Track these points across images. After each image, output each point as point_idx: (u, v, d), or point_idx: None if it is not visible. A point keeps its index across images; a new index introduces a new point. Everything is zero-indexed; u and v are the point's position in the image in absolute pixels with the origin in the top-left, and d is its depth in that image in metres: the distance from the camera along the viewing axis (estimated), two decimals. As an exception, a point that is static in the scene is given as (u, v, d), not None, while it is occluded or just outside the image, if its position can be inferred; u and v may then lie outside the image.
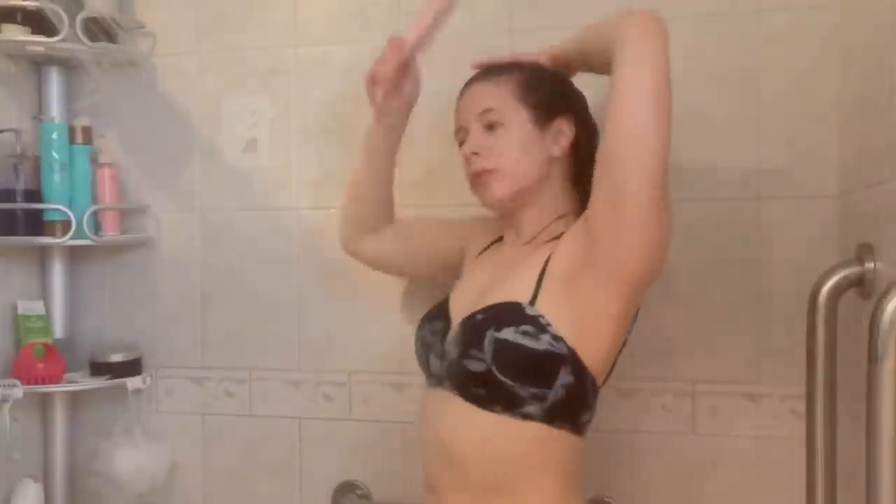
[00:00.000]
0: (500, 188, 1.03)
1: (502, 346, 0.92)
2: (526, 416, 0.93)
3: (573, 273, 0.94)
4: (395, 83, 1.16)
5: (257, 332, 1.51)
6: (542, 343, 0.92)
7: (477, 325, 0.96)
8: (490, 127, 1.04)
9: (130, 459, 1.46)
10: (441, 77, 1.42)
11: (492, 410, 0.93)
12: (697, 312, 1.30)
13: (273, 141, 1.50)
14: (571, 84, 1.10)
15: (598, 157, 0.91)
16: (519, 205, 1.06)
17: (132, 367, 1.49)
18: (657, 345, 1.31)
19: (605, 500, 1.32)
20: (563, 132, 1.05)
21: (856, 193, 1.13)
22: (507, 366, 0.92)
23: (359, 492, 1.45)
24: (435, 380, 1.04)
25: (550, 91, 1.06)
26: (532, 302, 0.94)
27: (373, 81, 1.17)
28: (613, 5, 1.33)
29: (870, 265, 1.00)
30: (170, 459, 1.52)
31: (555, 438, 0.94)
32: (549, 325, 0.92)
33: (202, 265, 1.54)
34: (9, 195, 1.43)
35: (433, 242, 1.28)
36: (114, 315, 1.57)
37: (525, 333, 0.92)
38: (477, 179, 1.05)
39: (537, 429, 0.93)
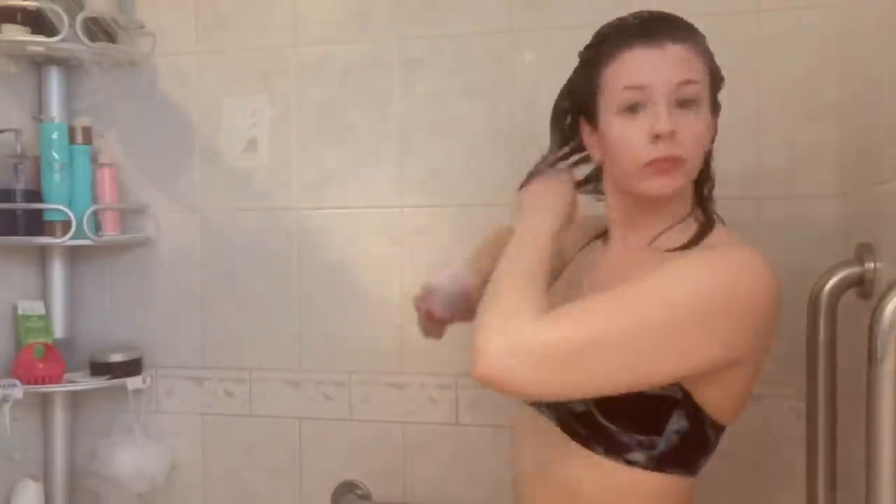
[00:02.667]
0: (679, 181, 0.85)
1: None
2: (631, 463, 0.82)
3: None
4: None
5: (257, 332, 1.51)
6: (654, 387, 0.80)
7: None
8: (684, 104, 0.83)
9: (130, 459, 1.46)
10: (441, 77, 1.42)
11: (592, 450, 0.84)
12: (697, 312, 1.30)
13: (273, 141, 1.50)
14: None
15: None
16: (661, 199, 0.88)
17: (132, 367, 1.49)
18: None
19: None
20: (715, 126, 0.90)
21: (856, 193, 1.13)
22: (609, 410, 0.82)
23: (359, 492, 1.45)
24: (537, 404, 0.92)
25: (720, 73, 0.89)
26: None
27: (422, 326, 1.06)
28: (613, 5, 1.33)
29: (870, 265, 1.00)
30: (170, 459, 1.52)
31: (664, 484, 0.84)
32: None
33: (202, 265, 1.54)
34: (9, 195, 1.43)
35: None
36: (114, 315, 1.57)
37: None
38: (660, 166, 0.83)
39: (643, 476, 0.83)
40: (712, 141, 0.91)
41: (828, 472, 1.03)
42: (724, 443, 1.30)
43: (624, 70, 0.85)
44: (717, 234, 0.88)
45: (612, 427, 0.82)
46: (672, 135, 0.82)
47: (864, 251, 1.02)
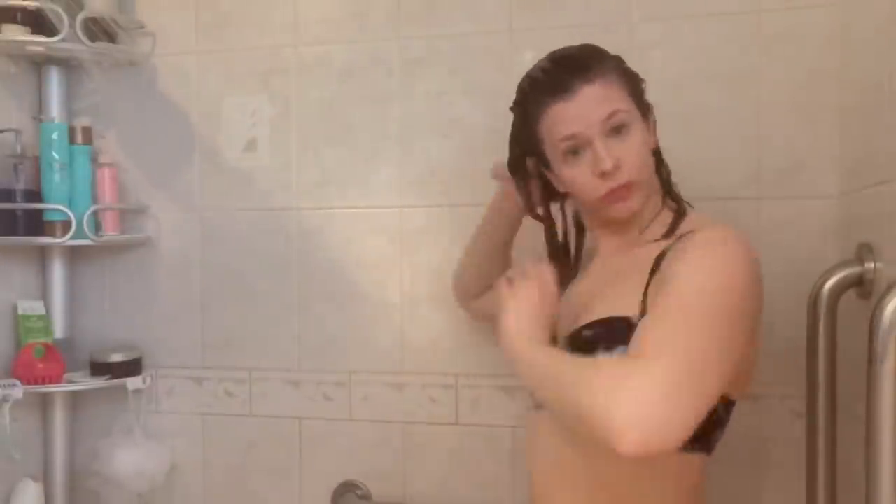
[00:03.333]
0: (637, 200, 0.93)
1: None
2: None
3: None
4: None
5: (257, 332, 1.51)
6: None
7: (585, 343, 0.88)
8: (616, 131, 0.91)
9: (130, 459, 1.46)
10: (441, 77, 1.42)
11: None
12: (697, 312, 1.30)
13: (273, 141, 1.50)
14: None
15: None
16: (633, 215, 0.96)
17: (132, 367, 1.49)
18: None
19: None
20: (652, 121, 0.98)
21: (856, 193, 1.13)
22: None
23: (359, 492, 1.45)
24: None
25: (634, 74, 0.97)
26: (642, 314, 0.84)
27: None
28: (613, 5, 1.34)
29: (870, 265, 1.00)
30: (170, 459, 1.52)
31: (687, 462, 0.87)
32: None
33: (202, 265, 1.54)
34: (9, 195, 1.43)
35: None
36: (114, 315, 1.57)
37: None
38: (615, 195, 0.91)
39: (671, 458, 0.82)
40: (655, 139, 0.98)
41: (828, 472, 1.03)
42: (725, 443, 1.31)
43: (552, 126, 0.93)
44: (692, 219, 0.96)
45: None
46: (616, 167, 0.90)
47: (864, 251, 1.02)
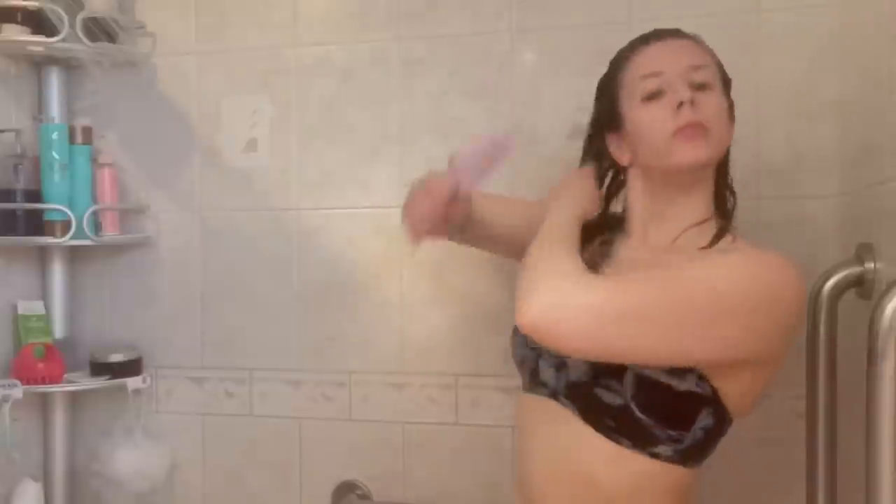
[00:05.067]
0: (707, 150, 0.89)
1: (646, 385, 0.84)
2: (655, 455, 0.86)
3: None
4: (436, 224, 1.03)
5: (257, 332, 1.51)
6: (688, 383, 0.83)
7: None
8: (699, 87, 0.89)
9: (130, 459, 1.46)
10: (441, 77, 1.42)
11: (618, 442, 0.87)
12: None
13: (273, 141, 1.50)
14: None
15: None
16: (690, 183, 0.93)
17: (132, 367, 1.49)
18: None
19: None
20: (733, 116, 0.95)
21: (856, 193, 1.13)
22: (647, 405, 0.85)
23: (359, 492, 1.45)
24: (546, 390, 0.94)
25: (726, 73, 0.96)
26: None
27: (411, 225, 1.05)
28: (613, 5, 1.34)
29: (870, 265, 1.00)
30: (170, 459, 1.52)
31: (681, 476, 0.89)
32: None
33: (202, 265, 1.54)
34: (9, 195, 1.43)
35: (507, 229, 1.16)
36: (114, 315, 1.57)
37: (671, 373, 0.83)
38: (689, 132, 0.88)
39: (666, 468, 0.87)
40: (728, 135, 0.95)
41: (828, 472, 1.03)
42: (725, 443, 1.31)
43: (639, 65, 0.93)
44: (739, 241, 0.94)
45: (647, 420, 0.85)
46: (692, 102, 0.87)
47: (864, 251, 1.02)
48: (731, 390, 0.86)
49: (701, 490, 1.31)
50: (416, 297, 1.44)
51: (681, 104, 0.88)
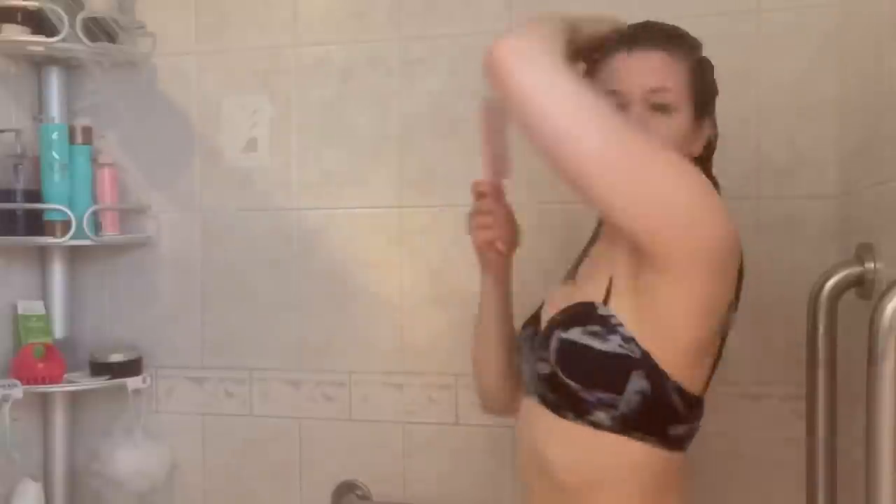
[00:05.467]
0: None
1: (566, 347, 0.87)
2: (596, 425, 0.86)
3: (635, 273, 0.85)
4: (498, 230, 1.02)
5: (257, 332, 1.51)
6: (611, 344, 0.84)
7: (551, 326, 0.92)
8: (661, 109, 0.89)
9: (130, 459, 1.46)
10: (441, 77, 1.42)
11: (564, 417, 0.89)
12: (697, 312, 1.30)
13: (273, 141, 1.50)
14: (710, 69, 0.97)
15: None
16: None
17: (132, 367, 1.49)
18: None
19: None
20: (705, 132, 0.95)
21: (856, 193, 1.13)
22: (571, 368, 0.87)
23: (359, 492, 1.45)
24: (526, 387, 0.99)
25: (711, 82, 0.95)
26: (605, 301, 0.87)
27: (486, 244, 1.02)
28: (613, 6, 1.33)
29: (870, 265, 1.00)
30: (170, 459, 1.52)
31: (637, 451, 0.87)
32: (620, 325, 0.85)
33: (202, 265, 1.54)
34: (9, 195, 1.43)
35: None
36: (114, 315, 1.57)
37: (593, 334, 0.85)
38: None
39: (612, 439, 0.86)
40: (707, 146, 0.95)
41: (828, 472, 1.03)
42: (724, 442, 1.31)
43: (607, 76, 0.92)
44: None
45: (574, 384, 0.86)
46: (644, 124, 0.88)
47: (864, 251, 1.02)
48: (664, 344, 0.84)
49: (701, 490, 1.32)
50: (416, 297, 1.44)
51: None
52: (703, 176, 0.83)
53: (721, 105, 1.27)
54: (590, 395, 0.86)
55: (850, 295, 1.03)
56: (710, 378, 0.91)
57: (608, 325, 0.85)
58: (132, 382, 1.48)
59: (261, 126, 1.51)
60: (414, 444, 1.44)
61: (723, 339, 0.93)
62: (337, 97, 1.47)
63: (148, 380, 1.51)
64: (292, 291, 1.50)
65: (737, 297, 0.92)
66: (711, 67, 0.96)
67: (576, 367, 0.87)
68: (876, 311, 0.74)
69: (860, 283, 1.01)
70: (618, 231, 0.84)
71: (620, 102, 0.89)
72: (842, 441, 1.04)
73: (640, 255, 0.82)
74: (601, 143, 0.76)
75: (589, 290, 0.91)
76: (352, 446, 1.47)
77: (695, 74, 0.92)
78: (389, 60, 1.44)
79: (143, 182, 1.56)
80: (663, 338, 0.84)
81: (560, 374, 0.87)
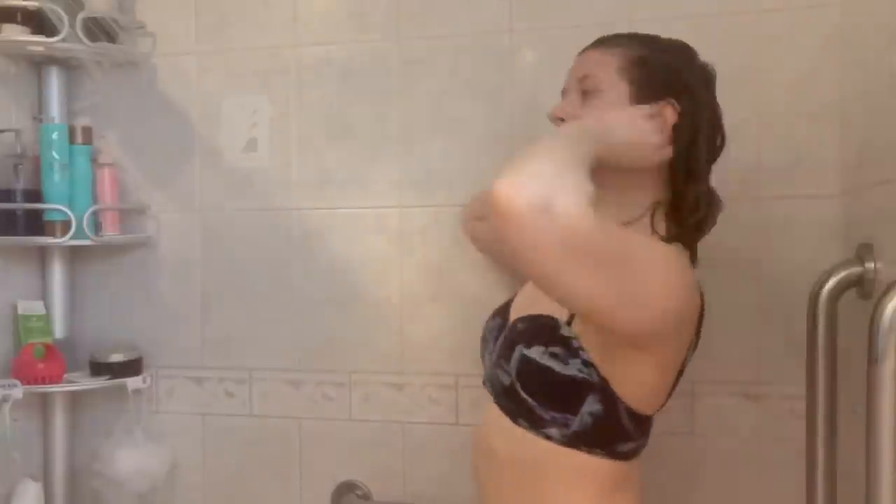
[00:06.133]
0: None
1: (528, 365, 0.89)
2: (549, 437, 0.90)
3: None
4: None
5: (257, 332, 1.51)
6: (570, 368, 0.87)
7: (513, 335, 0.94)
8: (588, 92, 0.95)
9: (130, 459, 1.46)
10: (441, 77, 1.42)
11: (518, 424, 0.92)
12: (697, 312, 1.30)
13: (273, 141, 1.50)
14: (695, 62, 0.98)
15: None
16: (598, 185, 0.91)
17: (132, 367, 1.49)
18: (657, 345, 1.31)
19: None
20: (664, 114, 0.92)
21: (856, 193, 1.13)
22: (530, 385, 0.90)
23: (359, 492, 1.45)
24: (484, 378, 1.03)
25: (661, 68, 0.94)
26: (569, 321, 0.89)
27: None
28: (613, 6, 1.34)
29: (870, 265, 1.00)
30: (170, 459, 1.52)
31: (585, 462, 0.90)
32: (581, 349, 0.87)
33: (202, 265, 1.54)
34: (9, 195, 1.43)
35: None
36: (114, 315, 1.57)
37: (553, 356, 0.88)
38: (554, 123, 0.98)
39: (562, 451, 0.90)
40: (676, 129, 0.93)
41: (828, 472, 1.03)
42: (724, 443, 1.31)
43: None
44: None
45: (531, 401, 0.89)
46: (557, 117, 0.97)
47: (864, 251, 1.02)
48: (623, 381, 0.87)
49: (701, 490, 1.32)
50: (416, 297, 1.44)
51: (552, 117, 0.98)
52: (675, 256, 0.87)
53: (721, 105, 1.27)
54: (545, 413, 0.89)
55: (850, 295, 1.03)
56: (667, 399, 0.95)
57: (570, 348, 0.87)
58: (132, 382, 1.48)
59: (261, 126, 1.51)
60: (414, 444, 1.44)
61: (682, 370, 0.95)
62: (337, 97, 1.47)
63: (148, 380, 1.51)
64: (292, 291, 1.50)
65: (697, 335, 0.95)
66: (667, 63, 0.95)
67: (535, 386, 0.89)
68: (876, 311, 0.74)
69: (860, 283, 1.01)
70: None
71: (565, 87, 1.00)
72: (842, 441, 1.04)
73: None
74: (591, 282, 0.76)
75: (557, 304, 0.90)
76: (352, 446, 1.47)
77: (631, 64, 0.94)
78: (389, 60, 1.44)
79: (143, 182, 1.56)
80: (624, 375, 0.87)
81: (519, 389, 0.90)
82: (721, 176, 1.29)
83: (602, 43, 0.99)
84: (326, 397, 1.48)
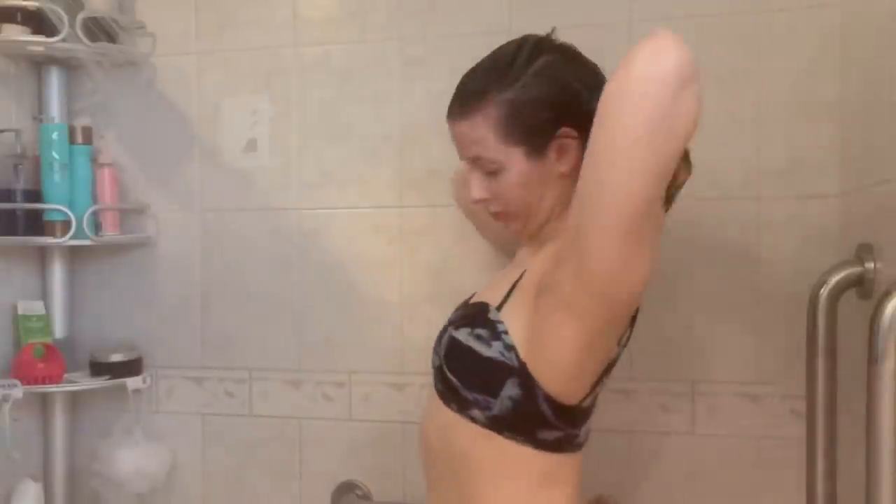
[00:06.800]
0: (516, 226, 1.00)
1: (453, 346, 0.93)
2: (474, 420, 0.91)
3: (538, 289, 0.88)
4: None
5: (257, 332, 1.51)
6: (492, 350, 0.89)
7: (449, 321, 1.00)
8: (490, 173, 0.96)
9: (130, 459, 1.46)
10: (441, 77, 1.42)
11: (449, 407, 0.94)
12: (697, 312, 1.30)
13: (273, 141, 1.50)
14: (564, 76, 0.93)
15: (580, 179, 0.79)
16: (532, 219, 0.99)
17: (132, 367, 1.50)
18: (656, 344, 1.31)
19: (604, 498, 1.32)
20: (566, 146, 0.92)
21: (856, 193, 1.13)
22: (454, 365, 0.93)
23: (359, 492, 1.45)
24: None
25: (537, 111, 0.92)
26: (500, 306, 0.92)
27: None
28: (613, 6, 1.34)
29: (870, 265, 1.00)
30: (170, 459, 1.52)
31: (510, 449, 0.90)
32: (505, 332, 0.89)
33: (202, 265, 1.54)
34: (9, 195, 1.43)
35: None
36: (114, 315, 1.57)
37: (478, 337, 0.91)
38: (495, 217, 1.01)
39: (487, 435, 0.90)
40: (564, 166, 0.93)
41: (828, 472, 1.03)
42: (725, 443, 1.31)
43: None
44: None
45: (456, 381, 0.92)
46: (484, 199, 0.98)
47: (864, 251, 1.02)
48: (543, 366, 0.86)
49: (701, 490, 1.32)
50: (416, 297, 1.44)
51: (475, 201, 0.99)
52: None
53: (721, 105, 1.27)
54: (469, 394, 0.91)
55: (850, 295, 1.03)
56: (592, 391, 0.92)
57: (494, 331, 0.89)
58: (132, 382, 1.48)
59: (261, 126, 1.51)
60: (414, 444, 1.44)
61: (611, 364, 0.94)
62: (337, 97, 1.47)
63: (148, 380, 1.51)
64: (292, 291, 1.50)
65: (630, 328, 0.94)
66: (535, 93, 0.92)
67: (458, 366, 0.92)
68: (876, 311, 0.74)
69: (860, 283, 1.01)
70: (550, 244, 0.91)
71: (465, 161, 1.00)
72: (842, 441, 1.04)
73: (551, 275, 0.84)
74: (643, 179, 0.73)
75: (492, 291, 0.97)
76: (352, 446, 1.47)
77: (504, 121, 0.92)
78: (389, 60, 1.44)
79: (143, 182, 1.56)
80: (543, 358, 0.86)
81: (445, 368, 0.94)
82: (721, 176, 1.30)
83: (463, 109, 0.95)
84: (326, 397, 1.48)
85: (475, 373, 0.90)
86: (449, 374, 0.93)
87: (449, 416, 0.94)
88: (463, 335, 0.92)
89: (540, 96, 0.92)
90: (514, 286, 0.94)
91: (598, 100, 0.77)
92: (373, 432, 1.46)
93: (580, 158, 0.86)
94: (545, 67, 0.93)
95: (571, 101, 0.92)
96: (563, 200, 0.95)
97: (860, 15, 1.13)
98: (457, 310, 1.05)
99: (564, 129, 0.92)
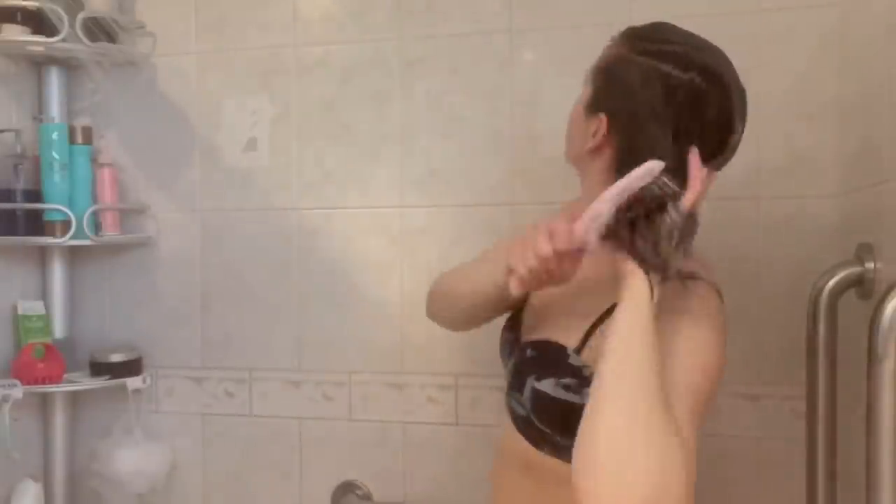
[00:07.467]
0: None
1: (541, 399, 0.87)
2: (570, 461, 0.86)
3: None
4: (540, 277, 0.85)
5: (257, 332, 1.51)
6: (584, 397, 0.81)
7: (523, 365, 0.91)
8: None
9: (130, 459, 1.46)
10: (442, 77, 1.42)
11: (540, 448, 0.91)
12: (697, 312, 1.30)
13: (273, 141, 1.50)
14: (651, 92, 0.88)
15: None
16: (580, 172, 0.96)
17: (132, 367, 1.49)
18: (657, 345, 1.31)
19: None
20: (599, 129, 0.90)
21: (856, 193, 1.13)
22: (546, 418, 0.88)
23: (359, 492, 1.45)
24: (507, 389, 0.96)
25: (614, 80, 0.90)
26: (578, 350, 0.87)
27: (510, 272, 0.86)
28: (614, 6, 1.34)
29: (870, 265, 1.00)
30: (170, 459, 1.52)
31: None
32: (592, 375, 0.81)
33: (202, 265, 1.54)
34: (9, 195, 1.43)
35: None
36: (114, 315, 1.57)
37: (566, 387, 0.86)
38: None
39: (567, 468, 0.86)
40: (595, 140, 0.90)
41: (828, 472, 1.03)
42: (725, 443, 1.31)
43: None
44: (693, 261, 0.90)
45: (549, 432, 0.87)
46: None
47: (864, 251, 1.02)
48: None
49: (701, 490, 1.32)
50: (416, 297, 1.43)
51: None
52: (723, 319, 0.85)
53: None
54: (566, 441, 0.85)
55: (850, 295, 1.03)
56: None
57: (581, 377, 0.85)
58: (132, 382, 1.48)
59: (261, 126, 1.51)
60: (414, 444, 1.44)
61: None
62: (337, 97, 1.47)
63: (148, 380, 1.51)
64: (292, 291, 1.50)
65: None
66: (628, 80, 0.89)
67: (551, 418, 0.87)
68: (876, 311, 0.74)
69: (860, 283, 1.01)
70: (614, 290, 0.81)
71: None
72: (842, 441, 1.04)
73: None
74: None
75: (564, 328, 0.89)
76: (352, 446, 1.47)
77: (602, 66, 0.94)
78: (389, 60, 1.44)
79: (143, 182, 1.56)
80: None
81: (535, 421, 0.88)
82: (721, 176, 1.30)
83: (623, 34, 0.97)
84: (326, 397, 1.48)
85: (572, 423, 0.81)
86: (541, 426, 0.88)
87: (540, 455, 0.91)
88: (549, 387, 0.86)
89: (628, 81, 0.89)
90: (593, 328, 0.87)
91: (637, 129, 0.86)
92: (373, 432, 1.46)
93: (609, 157, 0.89)
94: (658, 72, 0.89)
95: (629, 108, 0.88)
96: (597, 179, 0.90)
97: (859, 15, 1.13)
98: (522, 345, 0.94)
99: (609, 113, 0.89)
